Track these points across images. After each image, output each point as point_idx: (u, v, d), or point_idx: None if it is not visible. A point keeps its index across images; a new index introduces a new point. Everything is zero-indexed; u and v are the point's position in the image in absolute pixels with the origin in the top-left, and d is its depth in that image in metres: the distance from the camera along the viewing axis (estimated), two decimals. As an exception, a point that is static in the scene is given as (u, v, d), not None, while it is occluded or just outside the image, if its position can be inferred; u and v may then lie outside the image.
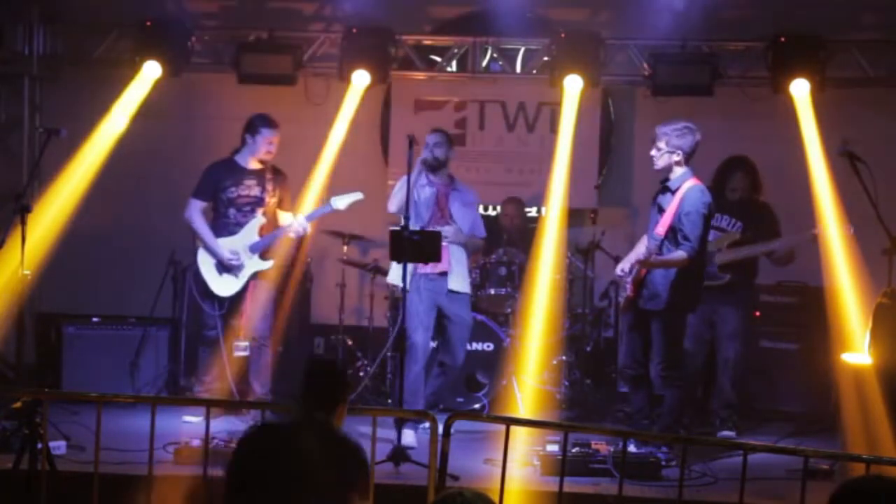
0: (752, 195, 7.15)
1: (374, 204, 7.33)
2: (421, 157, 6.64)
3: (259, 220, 6.88)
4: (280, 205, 7.00)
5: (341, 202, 6.83)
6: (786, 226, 7.20)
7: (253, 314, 6.87)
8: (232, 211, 6.88)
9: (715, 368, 7.14)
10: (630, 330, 6.40)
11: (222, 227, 6.89)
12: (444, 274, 6.72)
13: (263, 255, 6.90)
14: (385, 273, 7.35)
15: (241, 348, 6.77)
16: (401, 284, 6.60)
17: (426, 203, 6.68)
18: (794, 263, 7.32)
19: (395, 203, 6.70)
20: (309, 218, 6.93)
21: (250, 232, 6.87)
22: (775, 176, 7.59)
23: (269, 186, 6.90)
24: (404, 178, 6.54)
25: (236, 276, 6.85)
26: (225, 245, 6.83)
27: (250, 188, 6.89)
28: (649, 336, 6.23)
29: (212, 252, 6.84)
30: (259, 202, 6.89)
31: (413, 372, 6.50)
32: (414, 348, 6.49)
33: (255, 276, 6.89)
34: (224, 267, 6.85)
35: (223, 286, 6.87)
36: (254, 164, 6.93)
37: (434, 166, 6.71)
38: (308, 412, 3.79)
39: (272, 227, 6.93)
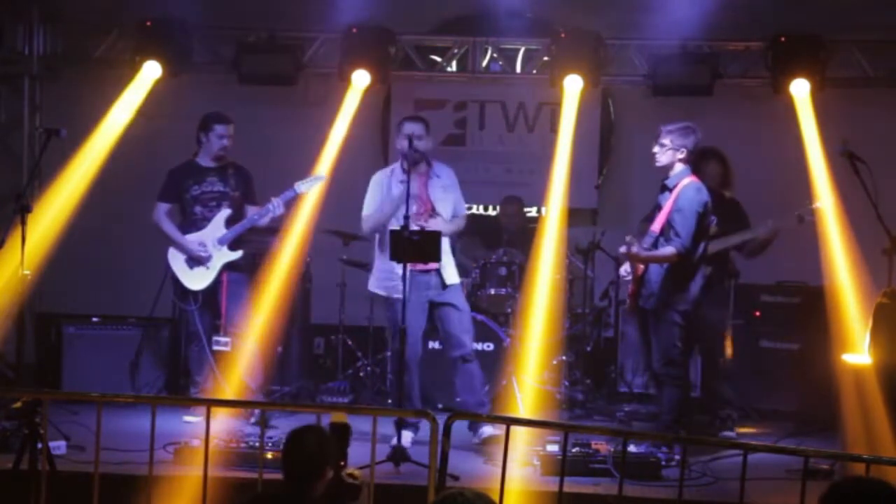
0: (721, 191, 7.03)
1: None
2: (399, 149, 6.36)
3: (225, 212, 6.88)
4: (245, 199, 6.98)
5: (304, 185, 6.86)
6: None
7: (229, 308, 6.85)
8: (198, 208, 6.90)
9: (708, 370, 7.15)
10: (640, 333, 6.44)
11: (190, 224, 6.92)
12: (431, 271, 6.47)
13: (232, 247, 6.89)
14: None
15: (221, 343, 6.75)
16: (379, 292, 6.63)
17: (405, 199, 6.21)
18: (794, 263, 7.32)
19: (368, 226, 6.57)
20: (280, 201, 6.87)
21: (217, 225, 6.87)
22: (774, 176, 7.58)
23: (232, 181, 6.91)
24: (373, 198, 6.49)
25: (207, 267, 6.85)
26: (194, 238, 6.86)
27: (213, 184, 6.90)
28: None
29: (180, 248, 6.87)
30: (223, 196, 6.90)
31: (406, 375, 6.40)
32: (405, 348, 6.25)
33: (226, 267, 6.87)
34: (194, 261, 6.86)
35: (195, 280, 6.86)
36: (213, 163, 6.93)
37: (417, 160, 6.41)
38: (290, 487, 3.79)
39: (239, 219, 6.91)
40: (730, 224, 6.92)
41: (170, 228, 6.92)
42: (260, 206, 6.88)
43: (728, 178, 7.06)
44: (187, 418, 6.60)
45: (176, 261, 6.91)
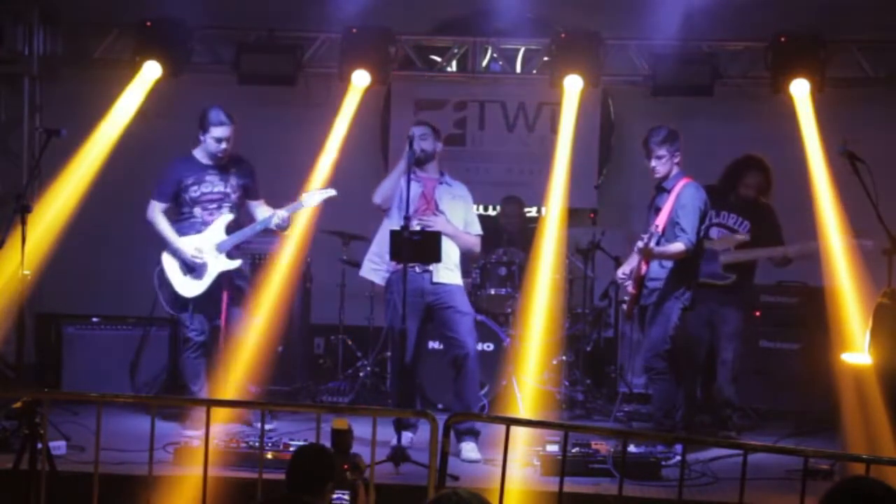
0: (758, 196, 7.09)
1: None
2: (407, 151, 6.28)
3: (226, 217, 6.62)
4: (248, 196, 6.73)
5: (312, 199, 6.59)
6: (786, 226, 7.17)
7: (229, 319, 6.60)
8: (198, 210, 6.62)
9: (714, 369, 7.14)
10: (641, 332, 6.46)
11: (189, 226, 6.62)
12: (426, 271, 6.32)
13: (231, 255, 6.63)
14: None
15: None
16: (372, 279, 6.61)
17: (412, 197, 6.20)
18: (794, 263, 7.31)
19: (380, 195, 6.42)
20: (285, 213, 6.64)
21: (217, 230, 6.60)
22: (775, 176, 7.57)
23: (233, 181, 6.65)
24: (395, 170, 6.36)
25: (201, 276, 6.57)
26: (191, 242, 6.58)
27: (213, 185, 6.62)
28: None
29: (176, 253, 6.57)
30: (225, 198, 6.64)
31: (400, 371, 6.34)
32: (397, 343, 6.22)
33: (223, 275, 6.59)
34: (188, 267, 6.58)
35: (189, 286, 6.59)
36: (213, 161, 6.63)
37: (421, 159, 6.36)
38: (296, 495, 3.85)
39: (240, 223, 6.70)
40: (761, 228, 6.94)
41: (165, 229, 6.60)
42: (260, 201, 6.72)
43: (767, 187, 7.07)
44: (187, 433, 6.33)
45: (171, 263, 6.61)
